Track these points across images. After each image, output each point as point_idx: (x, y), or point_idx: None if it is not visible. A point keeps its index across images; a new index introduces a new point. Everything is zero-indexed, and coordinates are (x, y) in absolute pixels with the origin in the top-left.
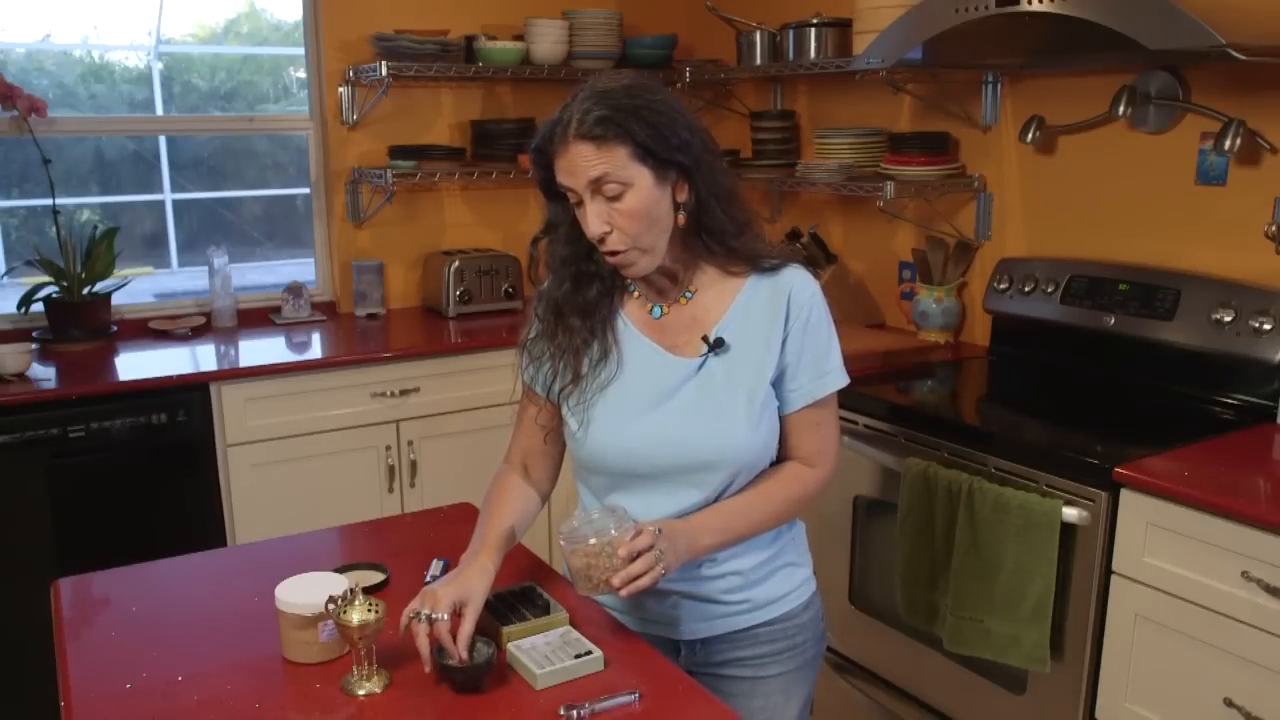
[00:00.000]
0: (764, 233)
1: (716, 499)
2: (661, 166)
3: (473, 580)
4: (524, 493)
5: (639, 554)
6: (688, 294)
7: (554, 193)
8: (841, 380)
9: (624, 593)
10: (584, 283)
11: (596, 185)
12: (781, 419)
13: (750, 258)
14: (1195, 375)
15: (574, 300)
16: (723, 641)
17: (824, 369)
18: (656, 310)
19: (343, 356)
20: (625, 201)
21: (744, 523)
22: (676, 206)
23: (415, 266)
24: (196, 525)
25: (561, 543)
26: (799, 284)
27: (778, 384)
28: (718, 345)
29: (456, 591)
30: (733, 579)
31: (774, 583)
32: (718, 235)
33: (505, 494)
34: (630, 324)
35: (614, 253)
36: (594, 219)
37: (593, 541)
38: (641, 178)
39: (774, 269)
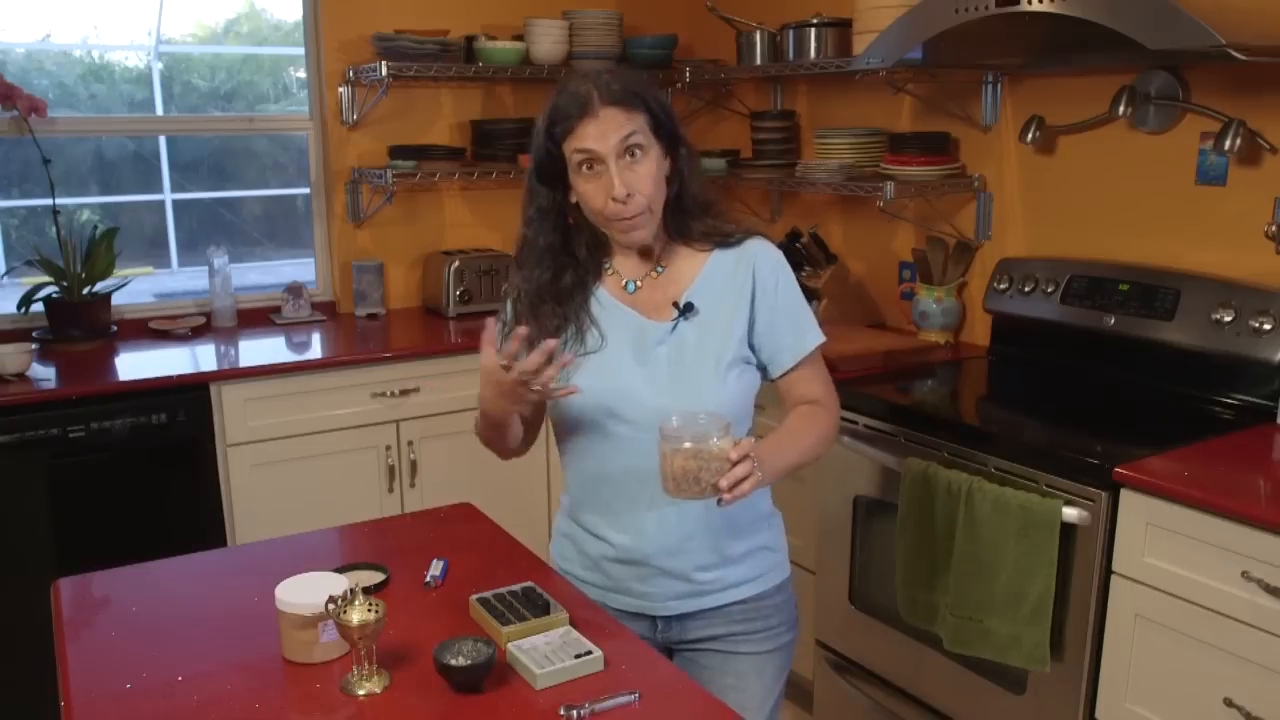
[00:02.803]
0: (728, 211)
1: None
2: (663, 140)
3: None
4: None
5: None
6: (659, 269)
7: (552, 177)
8: (820, 336)
9: (729, 496)
10: (562, 270)
11: (625, 145)
12: (780, 381)
13: (716, 233)
14: (1195, 375)
15: (553, 288)
16: (695, 618)
17: (803, 327)
18: (630, 285)
19: (343, 356)
20: (644, 165)
21: (794, 447)
22: (667, 180)
23: (415, 266)
24: (196, 525)
25: (662, 442)
26: (762, 253)
27: (763, 350)
28: (687, 309)
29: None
30: (708, 557)
31: (747, 564)
32: (691, 211)
33: None
34: (607, 297)
35: (630, 216)
36: (619, 180)
37: (687, 445)
38: (654, 147)
39: (737, 242)
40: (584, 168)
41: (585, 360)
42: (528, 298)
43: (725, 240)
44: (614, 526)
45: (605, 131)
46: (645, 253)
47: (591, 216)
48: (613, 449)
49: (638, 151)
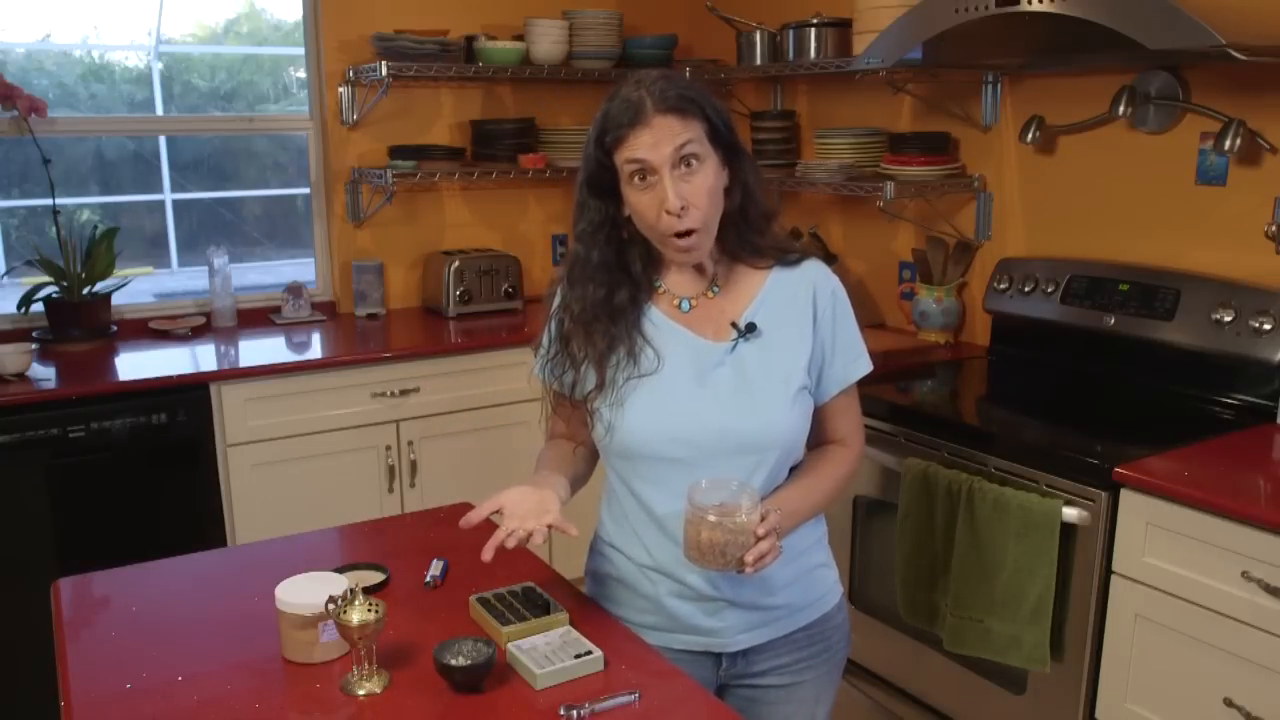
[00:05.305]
0: (782, 227)
1: (757, 486)
2: (721, 150)
3: (549, 498)
4: (575, 456)
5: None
6: (714, 289)
7: (604, 189)
8: (868, 366)
9: (751, 571)
10: (616, 287)
11: (680, 155)
12: (817, 407)
13: (774, 250)
14: (1195, 375)
15: (607, 305)
16: (764, 650)
17: (853, 356)
18: (685, 304)
19: (343, 356)
20: (700, 176)
21: (807, 506)
22: (725, 192)
23: (415, 266)
24: (196, 525)
25: (689, 508)
26: (822, 277)
27: (813, 374)
28: (749, 330)
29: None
30: (775, 581)
31: (809, 586)
32: (757, 225)
33: (559, 452)
34: (660, 317)
35: (686, 232)
36: (673, 192)
37: (712, 518)
38: (711, 157)
39: (795, 262)
40: (636, 179)
41: (641, 383)
42: (580, 315)
43: (786, 258)
44: (683, 562)
45: (659, 140)
46: (700, 270)
47: (644, 231)
48: (676, 477)
49: (693, 161)
